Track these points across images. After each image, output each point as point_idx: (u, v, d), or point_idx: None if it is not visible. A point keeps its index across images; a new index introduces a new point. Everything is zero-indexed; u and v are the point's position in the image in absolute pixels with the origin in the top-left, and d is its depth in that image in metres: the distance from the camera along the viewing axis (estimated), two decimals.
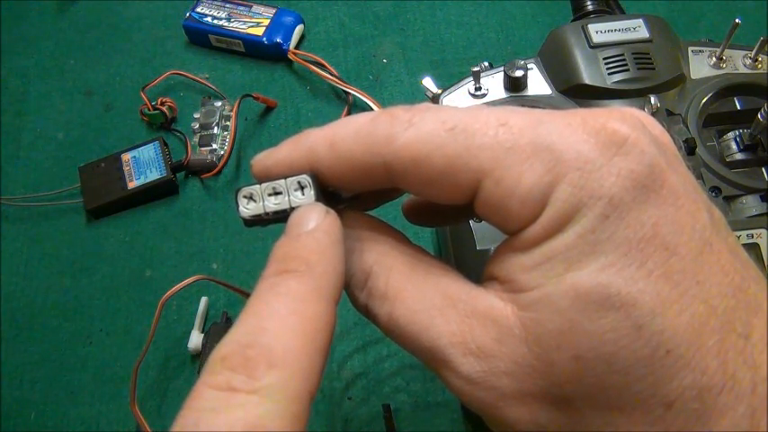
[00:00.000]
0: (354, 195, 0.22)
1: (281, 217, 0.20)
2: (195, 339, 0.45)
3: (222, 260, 0.50)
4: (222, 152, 0.54)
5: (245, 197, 0.21)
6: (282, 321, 0.17)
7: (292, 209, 0.20)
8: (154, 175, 0.53)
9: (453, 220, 0.29)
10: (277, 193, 0.20)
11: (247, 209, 0.21)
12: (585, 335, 0.16)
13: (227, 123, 0.55)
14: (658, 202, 0.16)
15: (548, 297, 0.17)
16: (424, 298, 0.19)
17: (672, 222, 0.16)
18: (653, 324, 0.16)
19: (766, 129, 0.38)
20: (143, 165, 0.53)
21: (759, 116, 0.38)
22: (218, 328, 0.45)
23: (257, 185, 0.20)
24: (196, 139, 0.55)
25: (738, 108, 0.41)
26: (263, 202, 0.20)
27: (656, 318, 0.16)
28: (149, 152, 0.54)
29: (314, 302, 0.18)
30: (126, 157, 0.54)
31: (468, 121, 0.18)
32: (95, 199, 0.53)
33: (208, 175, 0.53)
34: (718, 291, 0.16)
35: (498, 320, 0.18)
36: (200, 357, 0.45)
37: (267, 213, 0.20)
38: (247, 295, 0.40)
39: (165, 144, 0.55)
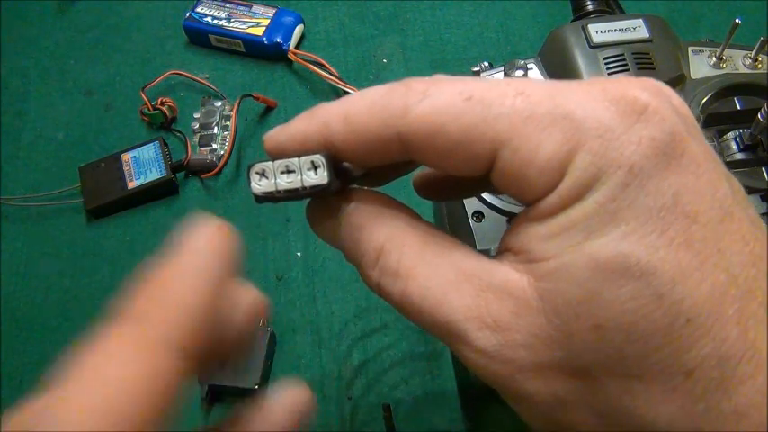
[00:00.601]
0: (365, 172, 0.22)
1: (293, 196, 0.20)
2: None
3: None
4: (222, 152, 0.54)
5: (257, 173, 0.20)
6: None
7: (305, 188, 0.20)
8: (154, 175, 0.53)
9: (466, 193, 0.29)
10: (290, 172, 0.20)
11: (259, 185, 0.20)
12: (605, 304, 0.16)
13: (227, 123, 0.55)
14: (679, 170, 0.16)
15: (566, 266, 0.17)
16: (437, 273, 0.19)
17: (693, 191, 0.16)
18: (673, 293, 0.16)
19: (766, 129, 0.38)
20: (143, 165, 0.53)
21: (759, 116, 0.38)
22: None
23: (270, 162, 0.20)
24: (196, 139, 0.55)
25: (738, 108, 0.41)
26: (276, 179, 0.20)
27: (677, 286, 0.16)
28: (149, 152, 0.54)
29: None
30: (126, 157, 0.54)
31: (485, 90, 0.18)
32: (95, 199, 0.53)
33: (208, 175, 0.53)
34: (739, 259, 0.16)
35: (514, 292, 0.18)
36: None
37: (279, 191, 0.20)
38: None
39: (165, 144, 0.55)
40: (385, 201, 0.21)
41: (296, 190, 0.20)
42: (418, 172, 0.24)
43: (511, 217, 0.37)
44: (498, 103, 0.17)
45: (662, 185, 0.16)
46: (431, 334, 0.19)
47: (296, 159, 0.20)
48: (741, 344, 0.16)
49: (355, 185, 0.22)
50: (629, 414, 0.17)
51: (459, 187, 0.24)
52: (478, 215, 0.40)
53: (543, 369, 0.17)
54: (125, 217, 0.53)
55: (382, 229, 0.20)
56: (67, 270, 0.51)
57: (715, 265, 0.16)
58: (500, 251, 0.19)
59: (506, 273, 0.18)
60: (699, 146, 0.17)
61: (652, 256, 0.16)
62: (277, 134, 0.21)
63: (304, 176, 0.20)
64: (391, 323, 0.46)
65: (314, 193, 0.20)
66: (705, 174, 0.17)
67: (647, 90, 0.17)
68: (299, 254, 0.49)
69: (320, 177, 0.19)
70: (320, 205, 0.22)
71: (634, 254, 0.16)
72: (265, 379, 0.44)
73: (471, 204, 0.40)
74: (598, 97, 0.17)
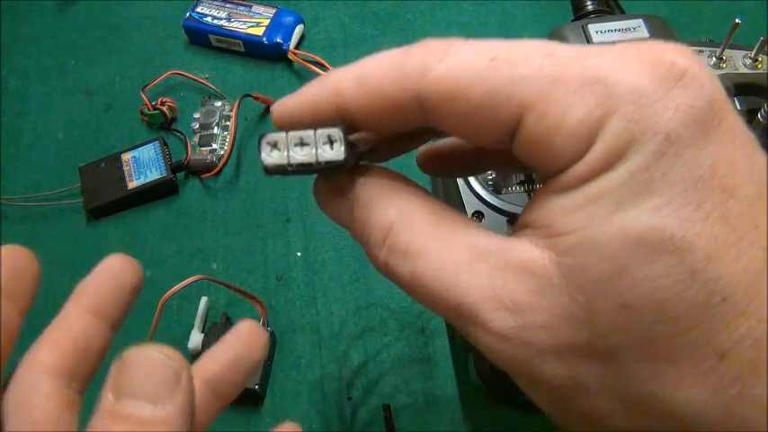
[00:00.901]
0: (371, 148, 0.21)
1: (305, 170, 0.19)
2: (195, 339, 0.45)
3: (222, 260, 0.50)
4: (222, 152, 0.54)
5: (268, 144, 0.19)
6: None
7: (319, 163, 0.19)
8: (154, 175, 0.53)
9: (475, 169, 0.27)
10: (304, 145, 0.19)
11: (270, 157, 0.19)
12: (634, 281, 0.15)
13: (228, 123, 0.55)
14: (717, 140, 0.15)
15: (592, 240, 0.15)
16: (449, 253, 0.18)
17: (730, 163, 0.15)
18: (708, 270, 0.15)
19: (766, 129, 0.38)
20: (143, 165, 0.53)
21: (759, 116, 0.38)
22: (217, 328, 0.45)
23: (283, 133, 0.19)
24: (196, 139, 0.55)
25: (738, 108, 0.41)
26: (288, 152, 0.19)
27: (712, 263, 0.15)
28: (149, 152, 0.54)
29: None
30: (126, 157, 0.54)
31: (511, 51, 0.17)
32: (95, 199, 0.53)
33: (208, 175, 0.53)
34: None
35: (535, 270, 0.16)
36: (200, 357, 0.45)
37: (291, 165, 0.19)
38: (247, 295, 0.40)
39: (165, 144, 0.55)
40: (395, 177, 0.20)
41: (309, 164, 0.19)
42: (423, 147, 0.23)
43: (511, 217, 0.37)
44: (525, 64, 0.16)
45: (699, 156, 0.15)
46: (443, 317, 0.18)
47: (311, 132, 0.19)
48: None
49: (364, 162, 0.21)
50: (657, 399, 0.15)
51: (468, 162, 0.23)
52: (478, 215, 0.40)
53: (564, 352, 0.16)
54: (125, 217, 0.53)
55: (391, 207, 0.19)
56: (67, 270, 0.51)
57: (752, 242, 0.15)
58: (517, 228, 0.18)
59: (525, 250, 0.17)
60: (735, 117, 0.16)
61: (687, 231, 0.15)
62: (286, 103, 0.20)
63: (319, 151, 0.19)
64: (392, 323, 0.46)
65: (327, 168, 0.19)
66: (743, 146, 0.16)
67: (684, 55, 0.16)
68: (299, 254, 0.49)
69: (336, 153, 0.18)
70: (329, 181, 0.21)
71: (668, 227, 0.15)
72: (265, 379, 0.44)
73: (471, 204, 0.40)
74: (633, 60, 0.16)
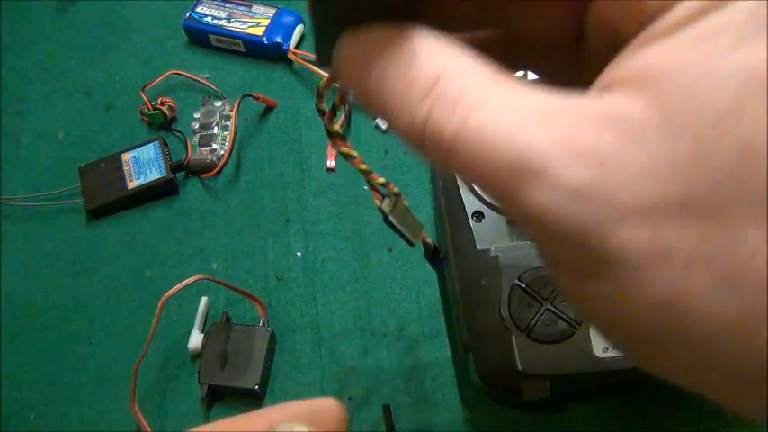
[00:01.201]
0: None
1: None
2: (195, 339, 0.45)
3: (222, 260, 0.50)
4: (222, 152, 0.54)
5: None
6: None
7: None
8: (154, 175, 0.53)
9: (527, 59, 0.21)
10: None
11: None
12: (758, 122, 0.12)
13: (227, 123, 0.55)
14: None
15: (710, 75, 0.13)
16: (515, 102, 0.14)
17: None
18: None
19: None
20: (143, 165, 0.53)
21: None
22: (217, 328, 0.45)
23: None
24: (196, 139, 0.55)
25: None
26: None
27: None
28: (149, 152, 0.54)
29: None
30: (126, 157, 0.54)
31: None
32: (95, 199, 0.53)
33: (208, 175, 0.53)
34: None
35: (627, 119, 0.13)
36: (200, 357, 0.45)
37: None
38: (247, 295, 0.40)
39: (165, 144, 0.55)
40: (447, 35, 0.16)
41: None
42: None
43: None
44: None
45: None
46: (485, 186, 0.15)
47: None
48: None
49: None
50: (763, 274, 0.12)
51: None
52: (478, 215, 0.40)
53: (654, 212, 0.13)
54: (125, 217, 0.53)
55: (444, 55, 0.15)
56: (67, 270, 0.51)
57: None
58: (597, 89, 0.15)
59: (614, 101, 0.14)
60: None
61: None
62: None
63: None
64: (391, 323, 0.46)
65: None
66: None
67: None
68: (299, 254, 0.49)
69: None
70: (360, 26, 0.17)
71: None
72: (265, 379, 0.44)
73: (471, 204, 0.40)
74: None
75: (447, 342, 0.45)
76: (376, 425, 0.42)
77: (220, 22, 0.59)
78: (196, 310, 0.47)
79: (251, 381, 0.43)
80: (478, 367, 0.39)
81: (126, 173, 0.53)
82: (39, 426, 0.45)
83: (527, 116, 0.14)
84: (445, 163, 0.15)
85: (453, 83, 0.15)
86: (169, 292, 0.42)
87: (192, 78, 0.58)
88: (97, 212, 0.53)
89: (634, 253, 0.13)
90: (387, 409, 0.42)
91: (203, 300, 0.47)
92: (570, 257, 0.15)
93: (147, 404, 0.45)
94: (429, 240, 0.27)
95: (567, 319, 0.36)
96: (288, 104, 0.57)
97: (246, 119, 0.56)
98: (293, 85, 0.58)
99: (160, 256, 0.51)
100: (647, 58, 0.14)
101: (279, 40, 0.58)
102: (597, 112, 0.14)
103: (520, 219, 0.15)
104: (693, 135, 0.13)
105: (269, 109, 0.57)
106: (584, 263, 0.14)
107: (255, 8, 0.60)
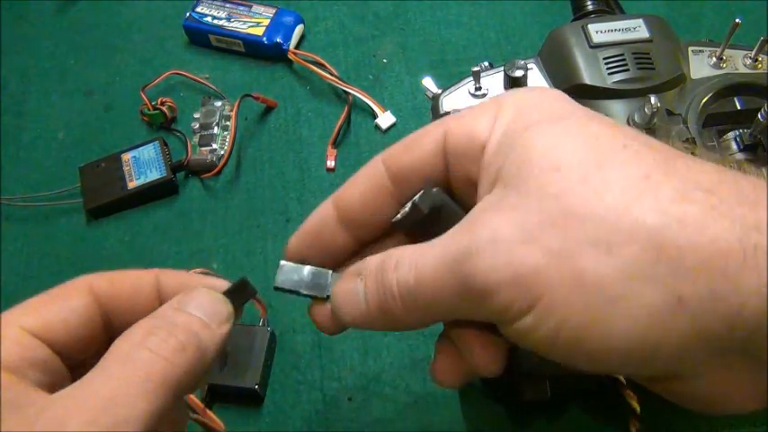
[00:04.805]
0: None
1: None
2: None
3: (222, 260, 0.50)
4: (222, 152, 0.54)
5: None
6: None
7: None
8: (154, 175, 0.53)
9: None
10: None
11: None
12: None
13: (228, 123, 0.55)
14: None
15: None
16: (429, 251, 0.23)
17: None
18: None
19: (766, 129, 0.38)
20: (143, 165, 0.53)
21: (759, 116, 0.38)
22: None
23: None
24: (196, 139, 0.55)
25: (738, 108, 0.41)
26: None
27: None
28: (149, 152, 0.54)
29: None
30: (126, 157, 0.54)
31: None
32: (95, 199, 0.53)
33: (208, 175, 0.53)
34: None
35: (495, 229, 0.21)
36: None
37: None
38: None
39: (165, 144, 0.55)
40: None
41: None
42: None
43: None
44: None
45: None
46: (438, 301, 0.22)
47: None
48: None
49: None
50: None
51: None
52: None
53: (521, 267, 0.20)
54: (125, 217, 0.53)
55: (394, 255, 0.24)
56: (67, 270, 0.51)
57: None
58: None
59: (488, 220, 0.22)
60: None
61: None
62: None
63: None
64: None
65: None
66: None
67: None
68: None
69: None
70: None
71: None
72: (265, 379, 0.44)
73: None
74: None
75: None
76: (377, 426, 0.42)
77: (220, 22, 0.59)
78: None
79: (251, 381, 0.43)
80: None
81: (126, 173, 0.53)
82: None
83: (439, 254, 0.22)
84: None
85: (393, 257, 0.24)
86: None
87: (192, 78, 0.58)
88: (97, 212, 0.53)
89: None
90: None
91: None
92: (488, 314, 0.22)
93: None
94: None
95: None
96: (288, 104, 0.57)
97: (246, 119, 0.56)
98: (293, 85, 0.58)
99: (160, 256, 0.51)
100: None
101: (279, 40, 0.58)
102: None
103: (465, 304, 0.22)
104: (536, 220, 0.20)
105: (269, 109, 0.57)
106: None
107: (255, 8, 0.60)
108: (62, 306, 0.25)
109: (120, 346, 0.23)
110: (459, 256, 0.21)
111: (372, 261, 0.24)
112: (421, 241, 0.23)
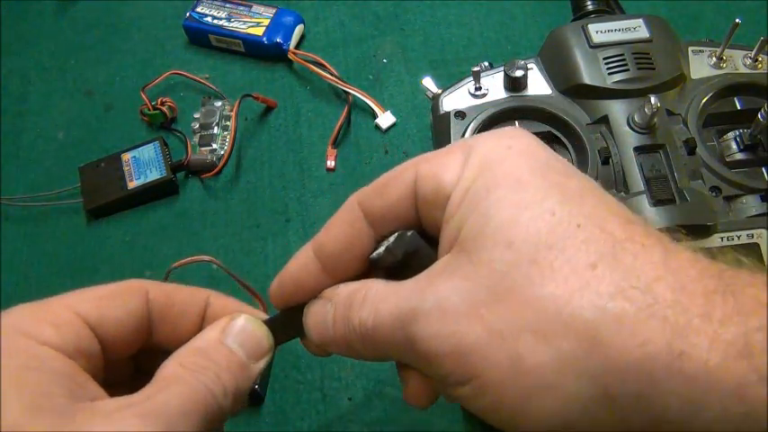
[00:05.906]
0: None
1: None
2: None
3: (222, 260, 0.50)
4: (222, 152, 0.54)
5: None
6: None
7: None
8: (154, 175, 0.53)
9: None
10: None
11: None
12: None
13: (228, 123, 0.55)
14: None
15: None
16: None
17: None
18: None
19: (766, 129, 0.38)
20: (143, 165, 0.53)
21: (759, 116, 0.38)
22: None
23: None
24: (196, 139, 0.55)
25: (738, 108, 0.41)
26: None
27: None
28: (149, 152, 0.54)
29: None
30: (126, 157, 0.54)
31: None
32: (95, 199, 0.53)
33: (208, 175, 0.53)
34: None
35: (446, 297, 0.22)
36: None
37: None
38: (250, 289, 0.40)
39: (165, 144, 0.55)
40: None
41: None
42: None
43: None
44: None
45: None
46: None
47: None
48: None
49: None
50: None
51: None
52: None
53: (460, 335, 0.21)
54: (125, 217, 0.53)
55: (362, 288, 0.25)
56: (67, 270, 0.51)
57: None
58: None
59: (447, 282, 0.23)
60: None
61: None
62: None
63: None
64: None
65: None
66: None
67: None
68: None
69: None
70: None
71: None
72: (265, 379, 0.44)
73: None
74: None
75: None
76: (377, 426, 0.42)
77: (220, 22, 0.59)
78: None
79: None
80: None
81: (126, 173, 0.53)
82: None
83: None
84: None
85: (360, 293, 0.25)
86: (175, 264, 0.42)
87: (192, 78, 0.58)
88: (97, 212, 0.53)
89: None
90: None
91: None
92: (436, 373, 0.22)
93: None
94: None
95: None
96: (288, 104, 0.57)
97: (246, 119, 0.56)
98: (293, 85, 0.58)
99: (160, 256, 0.51)
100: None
101: (279, 40, 0.58)
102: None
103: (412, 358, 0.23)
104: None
105: (269, 109, 0.57)
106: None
107: (255, 8, 0.60)
108: (119, 303, 0.25)
109: (175, 370, 0.23)
110: (407, 317, 0.22)
111: (344, 291, 0.25)
112: (396, 278, 0.24)
